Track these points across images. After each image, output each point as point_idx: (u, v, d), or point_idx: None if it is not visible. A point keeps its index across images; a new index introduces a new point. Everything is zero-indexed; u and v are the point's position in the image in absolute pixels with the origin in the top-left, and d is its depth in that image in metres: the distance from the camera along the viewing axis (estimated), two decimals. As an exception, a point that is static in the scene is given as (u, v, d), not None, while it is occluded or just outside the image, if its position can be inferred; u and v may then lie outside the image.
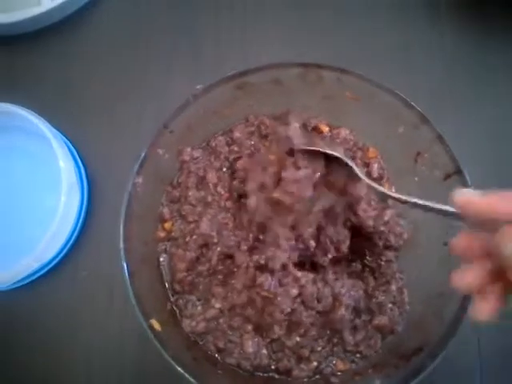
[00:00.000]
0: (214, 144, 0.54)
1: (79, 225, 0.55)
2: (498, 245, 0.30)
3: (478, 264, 0.33)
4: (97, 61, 0.62)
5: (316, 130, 0.55)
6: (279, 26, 0.63)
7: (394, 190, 0.53)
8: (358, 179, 0.43)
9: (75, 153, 0.57)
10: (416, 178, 0.52)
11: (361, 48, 0.61)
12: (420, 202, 0.37)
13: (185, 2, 0.64)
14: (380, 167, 0.54)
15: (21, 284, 0.53)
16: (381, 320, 0.49)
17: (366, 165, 0.54)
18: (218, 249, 0.50)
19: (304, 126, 0.54)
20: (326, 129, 0.55)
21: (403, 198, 0.39)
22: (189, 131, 0.51)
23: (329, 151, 0.43)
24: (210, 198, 0.52)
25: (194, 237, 0.50)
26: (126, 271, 0.45)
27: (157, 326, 0.45)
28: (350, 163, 0.43)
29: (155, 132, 0.49)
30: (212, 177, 0.52)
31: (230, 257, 0.50)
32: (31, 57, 0.63)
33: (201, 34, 0.63)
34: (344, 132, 0.54)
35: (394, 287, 0.50)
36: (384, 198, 0.48)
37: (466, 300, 0.43)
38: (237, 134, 0.54)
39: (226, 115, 0.53)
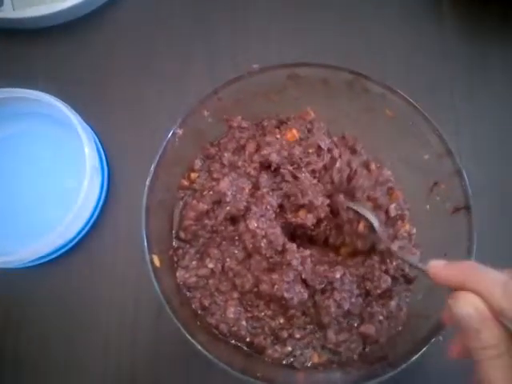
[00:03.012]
0: (265, 124, 0.56)
1: (99, 206, 0.58)
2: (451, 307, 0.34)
3: None
4: (119, 51, 0.65)
5: (365, 166, 0.56)
6: (295, 27, 0.66)
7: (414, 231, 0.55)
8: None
9: (96, 139, 0.59)
10: (428, 206, 0.53)
11: (363, 47, 0.65)
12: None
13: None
14: (399, 208, 0.54)
15: (43, 261, 0.56)
16: (367, 328, 0.50)
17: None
18: (228, 208, 0.51)
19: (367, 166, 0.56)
20: (373, 168, 0.56)
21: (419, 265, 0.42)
22: (236, 104, 0.53)
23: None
24: (240, 163, 0.54)
25: (211, 192, 0.52)
26: (144, 208, 0.48)
27: (157, 262, 0.48)
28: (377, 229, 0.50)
29: (205, 94, 0.51)
30: (252, 146, 0.54)
31: (234, 222, 0.53)
32: (55, 47, 0.65)
33: (218, 29, 0.65)
34: (386, 173, 0.56)
35: (393, 303, 0.51)
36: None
37: (439, 325, 0.45)
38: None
39: (273, 100, 0.55)
